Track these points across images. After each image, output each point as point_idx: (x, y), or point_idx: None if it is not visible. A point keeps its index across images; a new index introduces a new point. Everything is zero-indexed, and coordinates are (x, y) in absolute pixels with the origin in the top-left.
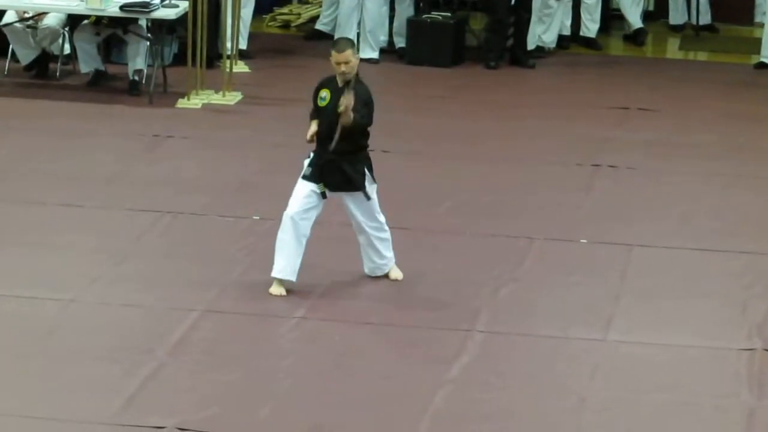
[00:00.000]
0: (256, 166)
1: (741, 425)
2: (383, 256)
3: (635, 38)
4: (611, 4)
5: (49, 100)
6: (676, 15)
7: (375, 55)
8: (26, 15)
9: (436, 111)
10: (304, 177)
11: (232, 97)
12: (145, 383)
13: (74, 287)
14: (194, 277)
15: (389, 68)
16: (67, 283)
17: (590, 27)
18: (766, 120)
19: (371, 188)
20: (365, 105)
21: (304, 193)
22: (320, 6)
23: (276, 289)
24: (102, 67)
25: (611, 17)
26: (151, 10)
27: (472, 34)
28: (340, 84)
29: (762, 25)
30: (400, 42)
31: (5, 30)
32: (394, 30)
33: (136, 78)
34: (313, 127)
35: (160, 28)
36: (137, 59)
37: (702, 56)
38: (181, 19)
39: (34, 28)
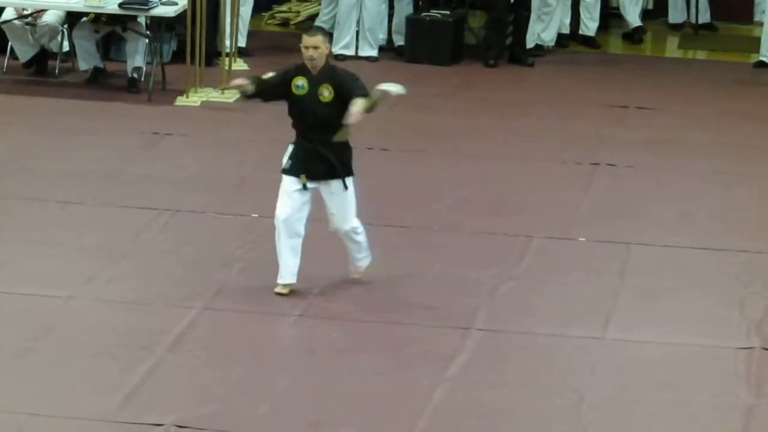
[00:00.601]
0: (255, 163)
1: (739, 423)
2: (357, 257)
3: (633, 36)
4: (610, 3)
5: (48, 98)
6: (676, 13)
7: (374, 53)
8: (25, 12)
9: (436, 109)
10: (284, 171)
11: (231, 95)
12: (144, 380)
13: (72, 284)
14: (193, 274)
15: (388, 66)
16: (65, 280)
17: (589, 25)
18: (765, 119)
19: (349, 180)
20: (356, 80)
21: (289, 191)
22: (319, 4)
23: (280, 288)
24: (101, 65)
25: (610, 15)
26: (150, 8)
27: (472, 32)
28: (313, 72)
29: (761, 24)
30: (399, 40)
31: (4, 27)
32: (393, 28)
33: (135, 75)
34: (246, 85)
35: (159, 25)
36: (136, 56)
37: (701, 55)
38: (180, 17)
39: (33, 25)
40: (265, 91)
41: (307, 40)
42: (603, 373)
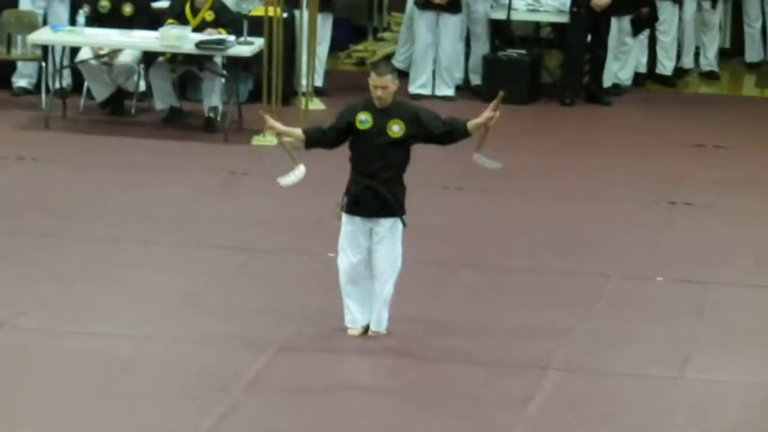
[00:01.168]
0: (332, 202)
1: None
2: (379, 311)
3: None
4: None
5: (125, 137)
6: (753, 52)
7: (451, 92)
8: (101, 52)
9: (512, 148)
10: (342, 209)
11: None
12: (220, 421)
13: (149, 324)
14: (269, 314)
15: (465, 106)
16: (142, 320)
17: (666, 64)
18: None
19: (399, 223)
20: (434, 114)
21: (346, 231)
22: (396, 43)
23: (353, 330)
24: (177, 104)
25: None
26: (227, 48)
27: (548, 72)
28: (378, 106)
29: None
30: (476, 79)
31: (81, 67)
32: (470, 67)
33: (212, 115)
34: (293, 141)
35: (235, 65)
36: (213, 96)
37: None
38: (257, 57)
39: (109, 65)
40: (327, 138)
41: (376, 79)
42: (681, 414)
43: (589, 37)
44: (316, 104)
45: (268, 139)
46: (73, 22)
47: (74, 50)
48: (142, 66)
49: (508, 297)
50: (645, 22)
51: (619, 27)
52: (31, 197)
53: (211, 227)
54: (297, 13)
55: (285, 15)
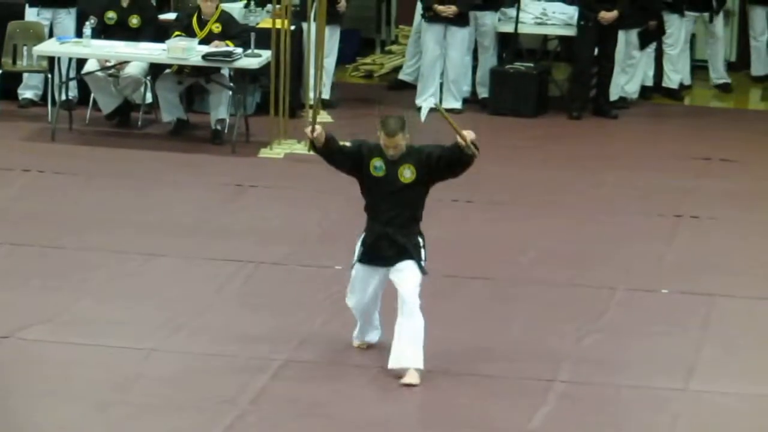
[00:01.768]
0: (338, 215)
1: None
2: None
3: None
4: (694, 55)
5: (131, 149)
6: (759, 66)
7: (458, 105)
8: (108, 64)
9: (520, 161)
10: (358, 260)
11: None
12: None
13: (156, 336)
14: (276, 326)
15: (472, 118)
16: (149, 332)
17: (673, 77)
18: None
19: (418, 265)
20: (438, 146)
21: (358, 278)
22: (403, 56)
23: (357, 343)
24: (184, 116)
25: (694, 68)
26: (234, 60)
27: (555, 85)
28: (390, 157)
29: None
30: (483, 92)
31: (87, 79)
32: (478, 80)
33: (219, 127)
34: (321, 134)
35: (242, 77)
36: (220, 108)
37: None
38: (264, 69)
39: (116, 76)
40: (336, 153)
41: (387, 140)
42: (685, 425)
43: (596, 50)
44: (324, 116)
45: (275, 152)
46: (79, 33)
47: (81, 62)
48: (148, 78)
49: (515, 309)
50: (652, 35)
51: (626, 40)
52: (36, 209)
53: (218, 239)
54: (305, 25)
55: (293, 27)
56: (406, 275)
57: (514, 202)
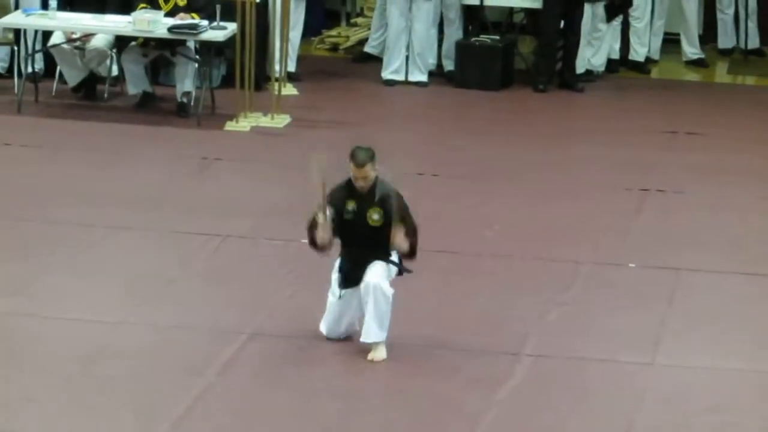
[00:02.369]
0: (305, 188)
1: None
2: (371, 325)
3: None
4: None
5: (97, 122)
6: (725, 39)
7: (424, 78)
8: (74, 36)
9: (485, 134)
10: (339, 287)
11: (281, 120)
12: (194, 405)
13: (122, 310)
14: (242, 299)
15: (438, 91)
16: (115, 306)
17: (639, 51)
18: None
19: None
20: (401, 208)
21: (338, 306)
22: (369, 29)
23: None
24: (150, 89)
25: (663, 41)
26: (199, 32)
27: (521, 58)
28: (362, 192)
29: None
30: (448, 65)
31: (53, 51)
32: (443, 53)
33: (185, 100)
34: (324, 233)
35: (208, 50)
36: (185, 81)
37: (750, 80)
38: (230, 41)
39: (81, 49)
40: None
41: (356, 171)
42: (652, 399)
43: (562, 23)
44: (289, 89)
45: (241, 125)
46: (45, 5)
47: (46, 34)
48: (114, 50)
49: (481, 283)
50: (618, 8)
51: (592, 13)
52: (2, 181)
53: (184, 212)
54: None
55: (258, 0)
56: (374, 268)
57: (480, 176)
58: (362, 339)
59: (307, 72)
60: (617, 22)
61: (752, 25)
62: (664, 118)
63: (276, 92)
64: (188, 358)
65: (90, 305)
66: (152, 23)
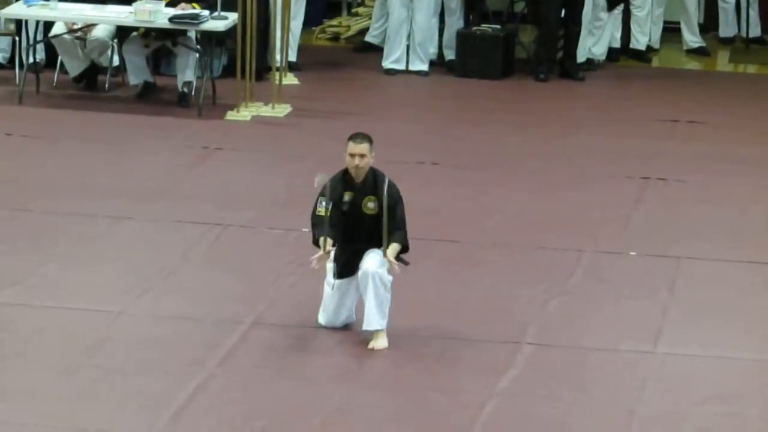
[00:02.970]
0: (306, 178)
1: None
2: (371, 312)
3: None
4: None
5: (98, 112)
6: (726, 28)
7: (424, 67)
8: (75, 27)
9: (486, 124)
10: (335, 277)
11: (282, 110)
12: (194, 396)
13: (123, 300)
14: (243, 289)
15: (439, 81)
16: (116, 296)
17: (640, 39)
18: None
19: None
20: (397, 208)
21: (335, 296)
22: (370, 18)
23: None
24: (151, 79)
25: (663, 30)
26: (201, 22)
27: (522, 47)
28: (357, 181)
29: None
30: (449, 54)
31: (54, 42)
32: (444, 42)
33: (185, 90)
34: (327, 245)
35: (209, 40)
36: (186, 71)
37: (752, 69)
38: (231, 31)
39: (82, 39)
40: (332, 224)
41: (353, 147)
42: (653, 388)
43: (563, 12)
44: (290, 79)
45: (242, 114)
46: None
47: (48, 25)
48: (115, 41)
49: (482, 272)
50: None
51: (593, 2)
52: (3, 172)
53: (185, 202)
54: None
55: None
56: (370, 256)
57: (480, 165)
58: (364, 327)
59: (308, 62)
60: (618, 11)
61: (753, 13)
62: (666, 106)
63: (277, 82)
64: (190, 348)
65: (91, 295)
66: (153, 13)
